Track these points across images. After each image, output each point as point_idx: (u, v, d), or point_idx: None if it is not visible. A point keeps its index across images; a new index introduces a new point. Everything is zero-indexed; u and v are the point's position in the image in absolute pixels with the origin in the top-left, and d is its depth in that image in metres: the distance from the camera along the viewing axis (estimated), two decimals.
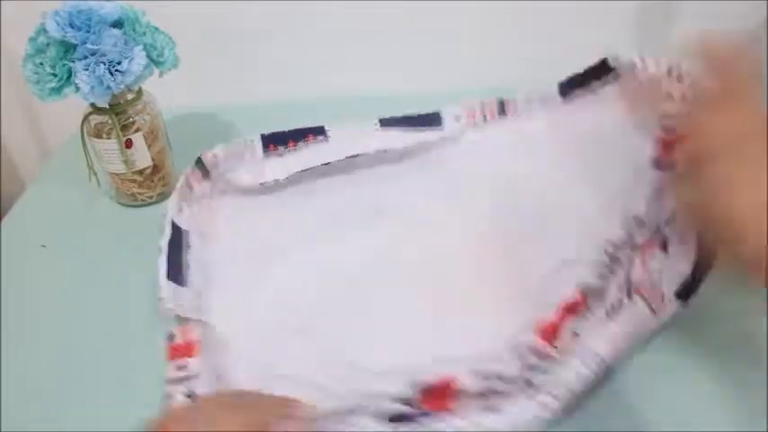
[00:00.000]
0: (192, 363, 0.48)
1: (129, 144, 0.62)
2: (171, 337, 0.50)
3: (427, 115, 0.69)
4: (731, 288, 0.52)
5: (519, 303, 0.52)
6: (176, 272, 0.53)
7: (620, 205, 0.56)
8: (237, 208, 0.63)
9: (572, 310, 0.47)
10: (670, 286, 0.49)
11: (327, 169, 0.64)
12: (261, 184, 0.63)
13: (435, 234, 0.60)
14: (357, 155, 0.64)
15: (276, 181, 0.63)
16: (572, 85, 0.70)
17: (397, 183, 0.67)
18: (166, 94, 0.66)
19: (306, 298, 0.55)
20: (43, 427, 0.46)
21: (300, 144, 0.65)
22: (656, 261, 0.50)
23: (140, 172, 0.65)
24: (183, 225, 0.57)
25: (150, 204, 0.67)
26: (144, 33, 0.59)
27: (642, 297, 0.47)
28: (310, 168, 0.63)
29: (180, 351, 0.49)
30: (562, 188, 0.63)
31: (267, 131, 0.65)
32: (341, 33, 0.84)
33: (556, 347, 0.45)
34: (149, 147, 0.64)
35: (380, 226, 0.61)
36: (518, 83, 0.86)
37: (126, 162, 0.63)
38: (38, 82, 0.57)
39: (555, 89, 0.70)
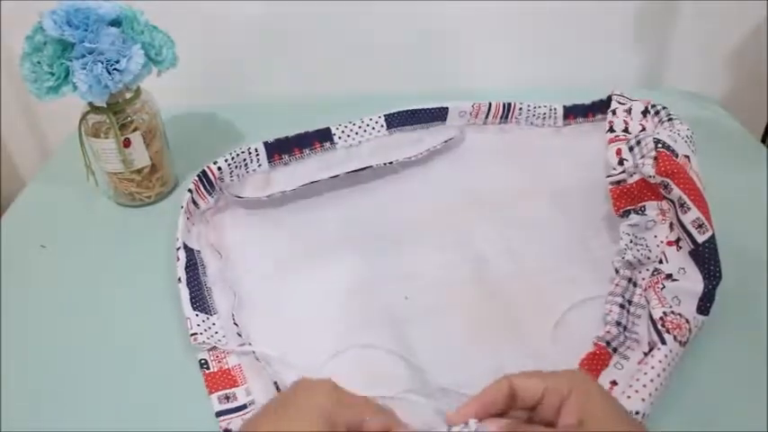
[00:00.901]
0: (241, 392, 0.47)
1: (127, 143, 0.62)
2: (203, 364, 0.48)
3: (435, 110, 0.68)
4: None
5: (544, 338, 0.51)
6: (200, 300, 0.52)
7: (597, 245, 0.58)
8: (244, 221, 0.62)
9: (597, 364, 0.47)
10: (690, 308, 0.49)
11: (333, 180, 0.63)
12: (267, 197, 0.61)
13: (459, 253, 0.60)
14: (364, 168, 0.63)
15: (283, 193, 0.62)
16: (576, 113, 0.70)
17: (406, 193, 0.66)
18: (165, 94, 0.66)
19: (343, 316, 0.53)
20: (43, 426, 0.46)
21: (307, 152, 0.64)
22: (667, 290, 0.50)
23: (138, 171, 0.65)
24: (193, 245, 0.56)
25: (148, 204, 0.67)
26: (142, 32, 0.59)
27: (673, 335, 0.46)
28: (318, 180, 0.62)
29: (221, 381, 0.47)
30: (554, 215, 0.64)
31: (270, 136, 0.64)
32: (342, 33, 0.84)
33: None
34: (147, 146, 0.64)
35: (400, 242, 0.60)
36: (518, 82, 0.86)
37: (124, 161, 0.63)
38: (35, 81, 0.57)
39: (560, 110, 0.70)
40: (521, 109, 0.70)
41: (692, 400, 0.46)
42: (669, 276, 0.51)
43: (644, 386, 0.43)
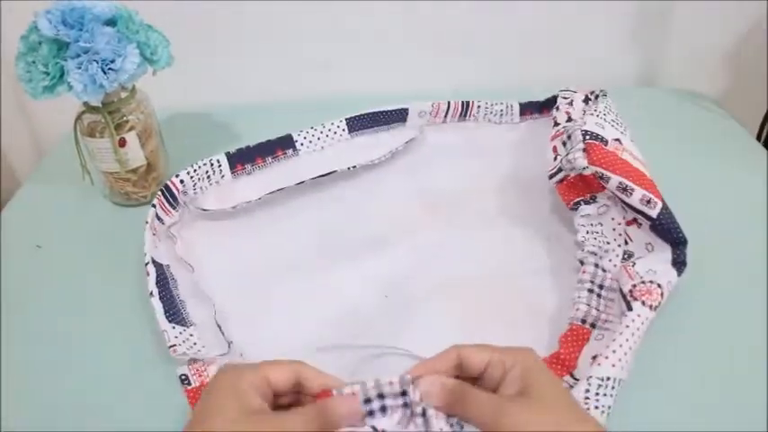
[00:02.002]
0: None
1: (122, 143, 0.62)
2: (184, 379, 0.47)
3: (394, 111, 0.68)
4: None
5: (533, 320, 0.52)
6: (175, 312, 0.51)
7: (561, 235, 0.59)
8: (211, 234, 0.60)
9: (577, 342, 0.48)
10: (666, 275, 0.49)
11: (299, 187, 0.62)
12: (233, 207, 0.60)
13: (433, 252, 0.59)
14: (328, 173, 0.63)
15: (248, 203, 0.61)
16: (532, 109, 0.71)
17: (371, 195, 0.66)
18: (161, 93, 0.66)
19: (319, 321, 0.52)
20: (43, 426, 0.46)
21: (269, 160, 0.63)
22: (639, 266, 0.51)
23: (134, 171, 0.65)
24: (161, 260, 0.55)
25: (144, 204, 0.67)
26: (137, 32, 0.58)
27: (641, 301, 0.47)
28: (283, 189, 0.61)
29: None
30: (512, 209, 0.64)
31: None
32: (339, 33, 0.84)
33: (573, 377, 0.46)
34: (143, 145, 0.64)
35: (370, 245, 0.60)
36: (518, 83, 0.86)
37: (120, 161, 0.63)
38: (30, 80, 0.57)
39: (516, 107, 0.71)
40: (479, 107, 0.70)
41: (692, 399, 0.46)
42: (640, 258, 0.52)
43: (613, 352, 0.44)
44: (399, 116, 0.69)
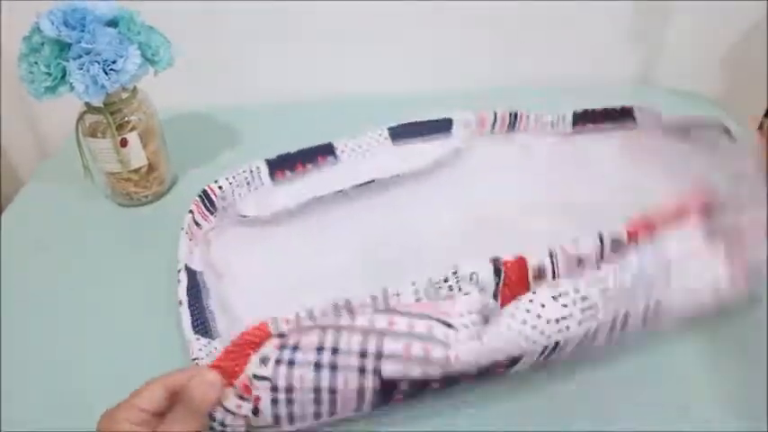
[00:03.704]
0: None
1: (124, 143, 0.62)
2: None
3: (438, 121, 0.67)
4: None
5: None
6: (202, 323, 0.49)
7: None
8: (249, 241, 0.59)
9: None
10: None
11: (339, 195, 0.61)
12: (271, 214, 0.59)
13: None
14: (370, 181, 0.62)
15: (288, 210, 0.59)
16: (585, 119, 0.69)
17: (415, 206, 0.64)
18: (163, 94, 0.66)
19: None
20: (43, 427, 0.46)
21: (310, 167, 0.62)
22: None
23: (136, 171, 0.65)
24: (195, 266, 0.53)
25: (146, 204, 0.67)
26: (139, 33, 0.59)
27: None
28: (323, 196, 0.60)
29: None
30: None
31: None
32: (340, 33, 0.84)
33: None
34: (145, 146, 0.64)
35: (416, 261, 0.56)
36: (518, 82, 0.86)
37: (121, 161, 0.63)
38: (32, 81, 0.57)
39: (569, 116, 0.69)
40: (528, 117, 0.68)
41: (691, 398, 0.47)
42: None
43: None
44: (443, 126, 0.67)
